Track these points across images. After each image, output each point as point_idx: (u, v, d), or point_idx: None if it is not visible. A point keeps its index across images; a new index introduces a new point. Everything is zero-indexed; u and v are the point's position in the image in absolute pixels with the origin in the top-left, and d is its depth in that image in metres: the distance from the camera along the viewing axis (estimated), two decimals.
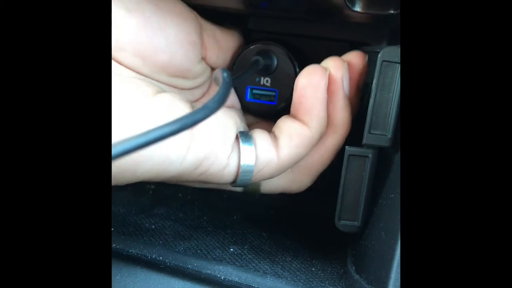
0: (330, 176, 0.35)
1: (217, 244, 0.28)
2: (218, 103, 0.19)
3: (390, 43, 0.29)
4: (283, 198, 0.36)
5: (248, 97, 0.32)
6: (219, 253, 0.27)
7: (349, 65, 0.28)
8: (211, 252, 0.27)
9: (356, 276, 0.25)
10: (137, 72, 0.24)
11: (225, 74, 0.22)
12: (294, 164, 0.27)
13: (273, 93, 0.31)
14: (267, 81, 0.31)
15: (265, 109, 0.32)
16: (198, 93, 0.29)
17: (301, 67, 0.27)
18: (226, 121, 0.25)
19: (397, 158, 0.26)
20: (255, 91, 0.32)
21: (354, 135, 0.28)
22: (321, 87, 0.26)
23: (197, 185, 0.29)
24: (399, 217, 0.24)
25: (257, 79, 0.31)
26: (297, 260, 0.28)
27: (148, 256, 0.27)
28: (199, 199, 0.36)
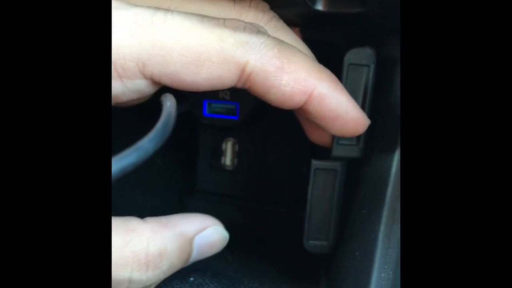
0: (300, 189, 0.33)
1: (175, 274, 0.25)
2: (154, 142, 0.16)
3: (359, 44, 0.27)
4: (252, 214, 0.33)
5: (206, 112, 0.29)
6: (178, 285, 0.24)
7: None
8: (168, 284, 0.24)
9: None
10: None
11: (168, 103, 0.19)
12: None
13: (233, 107, 0.29)
14: (226, 94, 0.29)
15: (226, 124, 0.29)
16: None
17: None
18: None
19: (368, 170, 0.24)
20: (213, 105, 0.29)
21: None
22: None
23: None
24: (374, 236, 0.22)
25: (215, 92, 0.29)
26: (265, 286, 0.26)
27: None
28: None
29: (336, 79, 0.21)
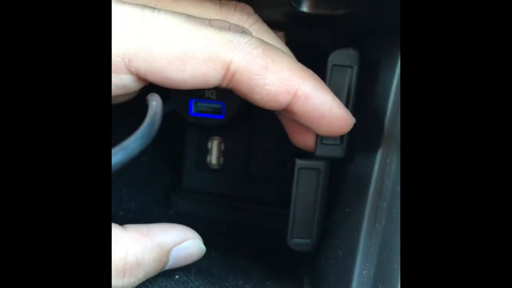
0: (285, 188, 0.33)
1: (160, 272, 0.25)
2: (140, 142, 0.16)
3: (343, 45, 0.27)
4: (237, 213, 0.33)
5: (192, 112, 0.29)
6: (163, 283, 0.25)
7: None
8: (153, 282, 0.24)
9: None
10: None
11: (154, 103, 0.19)
12: None
13: (219, 106, 0.29)
14: (212, 93, 0.29)
15: (212, 123, 0.29)
16: None
17: None
18: None
19: (351, 168, 0.24)
20: (199, 105, 0.29)
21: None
22: None
23: None
24: (356, 234, 0.22)
25: (201, 91, 0.29)
26: (249, 284, 0.26)
27: None
28: (143, 217, 0.33)
29: (319, 79, 0.21)
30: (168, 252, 0.23)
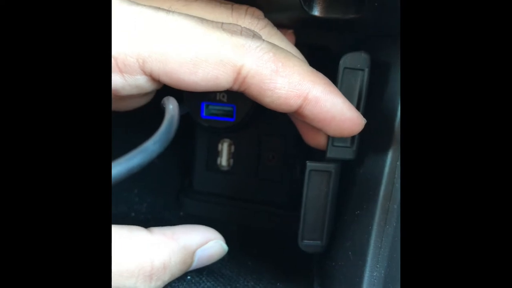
0: (295, 190, 0.33)
1: None
2: (159, 145, 0.17)
3: (353, 48, 0.27)
4: (247, 214, 0.33)
5: (203, 114, 0.29)
6: (175, 284, 0.25)
7: None
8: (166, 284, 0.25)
9: None
10: None
11: (170, 106, 0.19)
12: None
13: (230, 109, 0.29)
14: (223, 96, 0.29)
15: (223, 126, 0.29)
16: None
17: None
18: None
19: (361, 171, 0.24)
20: (211, 107, 0.30)
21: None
22: None
23: None
24: (366, 235, 0.22)
25: (213, 94, 0.29)
26: (260, 285, 0.26)
27: None
28: (154, 219, 0.33)
29: (330, 81, 0.22)
30: (193, 253, 0.23)
